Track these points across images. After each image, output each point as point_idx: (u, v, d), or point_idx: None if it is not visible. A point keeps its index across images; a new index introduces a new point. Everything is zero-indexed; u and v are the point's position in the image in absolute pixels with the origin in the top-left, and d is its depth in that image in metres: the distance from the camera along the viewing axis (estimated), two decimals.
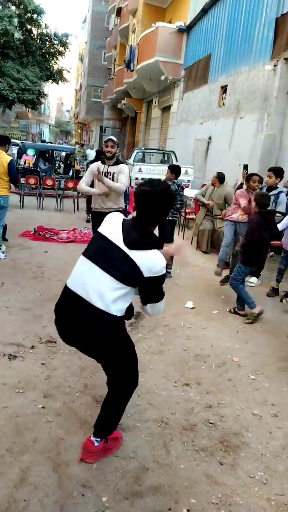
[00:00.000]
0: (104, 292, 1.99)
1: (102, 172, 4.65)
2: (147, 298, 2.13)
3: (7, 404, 2.73)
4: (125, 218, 2.18)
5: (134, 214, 2.16)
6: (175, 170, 5.79)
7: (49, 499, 2.05)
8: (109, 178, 4.67)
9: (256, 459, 2.47)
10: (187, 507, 2.09)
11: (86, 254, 2.14)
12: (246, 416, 2.88)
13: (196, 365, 3.51)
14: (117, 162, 4.84)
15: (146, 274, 1.99)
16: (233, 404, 3.01)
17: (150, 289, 2.09)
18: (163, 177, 11.18)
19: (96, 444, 2.31)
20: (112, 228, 2.11)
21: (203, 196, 7.17)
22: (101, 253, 2.06)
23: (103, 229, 2.15)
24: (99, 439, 2.32)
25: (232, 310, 4.77)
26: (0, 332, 3.69)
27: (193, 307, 4.79)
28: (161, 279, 2.06)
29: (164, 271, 2.04)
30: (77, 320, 2.05)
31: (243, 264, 4.59)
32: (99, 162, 4.84)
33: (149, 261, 1.99)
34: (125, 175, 4.77)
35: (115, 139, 4.85)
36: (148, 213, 2.08)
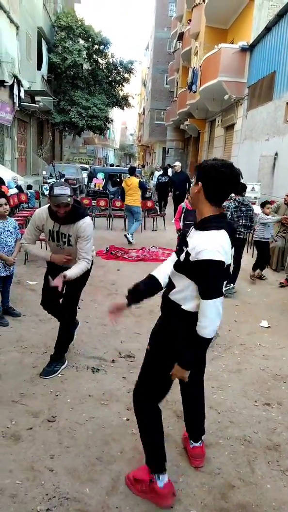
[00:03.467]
0: None
1: (53, 231, 3.29)
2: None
3: (94, 414, 2.88)
4: (218, 225, 1.93)
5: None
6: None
7: (139, 508, 2.14)
8: (64, 242, 3.31)
9: None
10: None
11: None
12: None
13: (275, 385, 3.45)
14: (74, 218, 3.21)
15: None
16: None
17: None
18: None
19: (201, 445, 2.51)
20: (228, 248, 1.93)
21: (276, 213, 7.06)
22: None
23: (226, 257, 1.91)
24: (200, 441, 2.51)
25: None
26: (82, 346, 3.91)
27: (269, 326, 4.71)
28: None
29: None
30: None
31: None
32: (45, 213, 3.29)
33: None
34: (89, 240, 3.27)
35: (68, 193, 3.07)
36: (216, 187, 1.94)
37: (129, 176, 9.74)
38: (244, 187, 6.01)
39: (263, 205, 6.54)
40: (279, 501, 2.24)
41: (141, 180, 10.51)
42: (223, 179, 1.91)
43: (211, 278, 1.86)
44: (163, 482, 2.14)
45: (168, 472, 2.21)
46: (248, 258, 7.51)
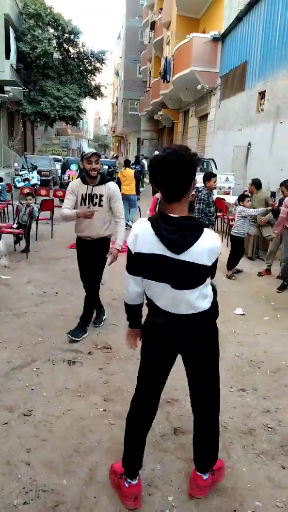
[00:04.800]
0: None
1: (86, 194, 3.69)
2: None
3: (71, 407, 2.87)
4: (151, 218, 1.86)
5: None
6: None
7: (117, 497, 2.14)
8: (95, 202, 3.68)
9: None
10: (252, 509, 2.12)
11: (157, 279, 1.88)
12: None
13: (250, 371, 3.52)
14: (103, 180, 3.72)
15: (210, 263, 1.80)
16: None
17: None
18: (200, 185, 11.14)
19: (204, 478, 2.17)
20: (145, 238, 1.83)
21: None
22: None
23: (138, 246, 1.85)
24: (207, 474, 2.19)
25: None
26: (58, 339, 3.88)
27: (243, 314, 4.78)
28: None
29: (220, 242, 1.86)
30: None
31: None
32: (78, 180, 3.76)
33: (209, 250, 1.78)
34: (120, 199, 3.81)
35: (96, 151, 3.82)
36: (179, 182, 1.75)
37: (125, 167, 10.65)
38: (210, 175, 5.91)
39: (242, 198, 6.37)
40: (254, 483, 2.30)
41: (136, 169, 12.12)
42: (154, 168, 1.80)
43: None
44: (128, 484, 2.10)
45: (145, 460, 2.22)
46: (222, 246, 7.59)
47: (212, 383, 2.11)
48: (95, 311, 4.22)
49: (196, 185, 6.00)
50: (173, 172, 1.71)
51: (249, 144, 12.07)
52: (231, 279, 6.22)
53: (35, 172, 13.57)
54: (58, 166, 17.95)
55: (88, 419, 2.76)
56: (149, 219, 1.85)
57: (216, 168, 12.57)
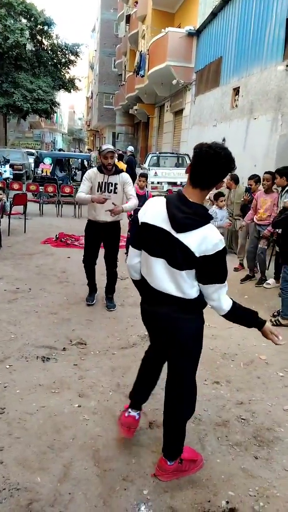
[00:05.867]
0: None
1: (102, 182, 4.25)
2: (210, 278, 1.91)
3: (45, 404, 2.83)
4: (169, 195, 2.00)
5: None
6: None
7: (92, 493, 2.14)
8: (110, 190, 4.25)
9: None
10: (226, 499, 2.15)
11: (153, 253, 1.98)
12: (277, 412, 2.93)
13: (224, 364, 3.57)
14: (117, 171, 4.32)
15: (198, 254, 1.84)
16: (264, 401, 3.05)
17: (211, 268, 1.89)
18: (178, 180, 11.21)
19: (169, 463, 2.24)
20: (155, 211, 1.97)
21: None
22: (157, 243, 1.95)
23: (147, 217, 1.99)
24: (172, 461, 2.25)
25: (274, 320, 4.50)
26: (31, 335, 3.81)
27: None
28: (220, 255, 1.86)
29: (222, 245, 1.86)
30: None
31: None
32: (95, 170, 4.32)
33: (202, 240, 1.83)
34: (132, 186, 4.42)
35: (112, 147, 4.28)
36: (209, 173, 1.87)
37: (118, 161, 11.00)
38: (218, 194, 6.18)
39: (216, 197, 6.24)
40: (227, 473, 2.33)
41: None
42: (202, 160, 1.87)
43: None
44: (128, 414, 2.46)
45: (120, 454, 2.23)
46: None
47: (178, 385, 2.19)
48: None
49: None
50: (211, 161, 1.83)
51: (224, 139, 12.17)
52: None
53: (7, 165, 13.29)
54: (31, 159, 17.65)
55: (62, 415, 2.73)
56: (165, 197, 2.01)
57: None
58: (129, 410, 2.47)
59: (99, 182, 4.26)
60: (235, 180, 7.02)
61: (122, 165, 11.22)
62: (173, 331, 2.02)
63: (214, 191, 7.06)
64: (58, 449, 2.43)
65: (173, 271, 1.92)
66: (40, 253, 6.73)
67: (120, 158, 12.18)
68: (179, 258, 1.88)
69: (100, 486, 2.18)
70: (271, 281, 5.76)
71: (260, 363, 3.63)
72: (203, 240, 1.82)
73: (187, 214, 1.84)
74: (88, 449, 2.43)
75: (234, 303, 1.99)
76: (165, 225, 1.90)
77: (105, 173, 4.24)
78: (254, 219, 5.91)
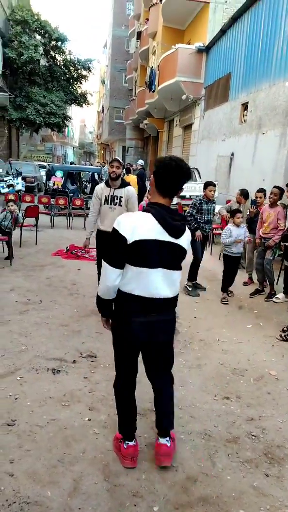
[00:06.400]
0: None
1: (108, 196, 4.53)
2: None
3: (55, 416, 2.84)
4: (147, 209, 2.18)
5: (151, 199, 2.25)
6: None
7: (102, 508, 2.13)
8: (116, 202, 4.51)
9: None
10: None
11: (152, 265, 2.13)
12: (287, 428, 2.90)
13: (234, 379, 3.55)
14: (123, 184, 4.59)
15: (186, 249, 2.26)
16: (274, 417, 3.03)
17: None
18: (187, 194, 11.26)
19: (168, 444, 2.47)
20: (147, 227, 2.08)
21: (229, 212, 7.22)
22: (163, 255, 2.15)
23: (139, 234, 2.07)
24: (168, 438, 2.49)
25: (284, 335, 4.42)
26: (42, 347, 3.84)
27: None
28: None
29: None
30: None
31: None
32: (103, 185, 4.64)
33: (187, 238, 2.27)
34: (136, 202, 4.62)
35: (120, 160, 4.63)
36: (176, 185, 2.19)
37: (127, 174, 11.95)
38: (207, 184, 6.06)
39: (233, 213, 5.83)
40: (238, 491, 2.31)
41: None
42: (168, 171, 2.12)
43: (109, 244, 2.17)
44: (127, 445, 2.45)
45: (130, 469, 2.24)
46: (207, 254, 7.66)
47: (168, 368, 2.50)
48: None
49: (197, 194, 6.51)
50: (181, 175, 2.13)
51: (232, 154, 12.25)
52: (222, 302, 5.62)
53: (19, 178, 13.47)
54: (43, 172, 17.87)
55: (72, 428, 2.74)
56: (146, 210, 2.16)
57: (200, 178, 12.70)
58: (126, 442, 2.47)
59: (105, 196, 4.54)
60: (245, 195, 7.03)
61: (130, 178, 11.32)
62: (168, 326, 2.33)
63: (229, 207, 7.08)
64: (68, 462, 2.43)
65: (171, 274, 2.20)
66: (51, 265, 6.79)
67: (128, 171, 12.41)
68: (179, 260, 2.22)
69: (110, 502, 2.17)
70: (280, 295, 5.72)
71: (270, 378, 3.60)
72: (188, 238, 2.24)
73: (179, 221, 2.16)
74: (98, 463, 2.43)
75: None
76: (161, 236, 2.10)
77: (111, 186, 4.53)
78: (260, 233, 5.94)
